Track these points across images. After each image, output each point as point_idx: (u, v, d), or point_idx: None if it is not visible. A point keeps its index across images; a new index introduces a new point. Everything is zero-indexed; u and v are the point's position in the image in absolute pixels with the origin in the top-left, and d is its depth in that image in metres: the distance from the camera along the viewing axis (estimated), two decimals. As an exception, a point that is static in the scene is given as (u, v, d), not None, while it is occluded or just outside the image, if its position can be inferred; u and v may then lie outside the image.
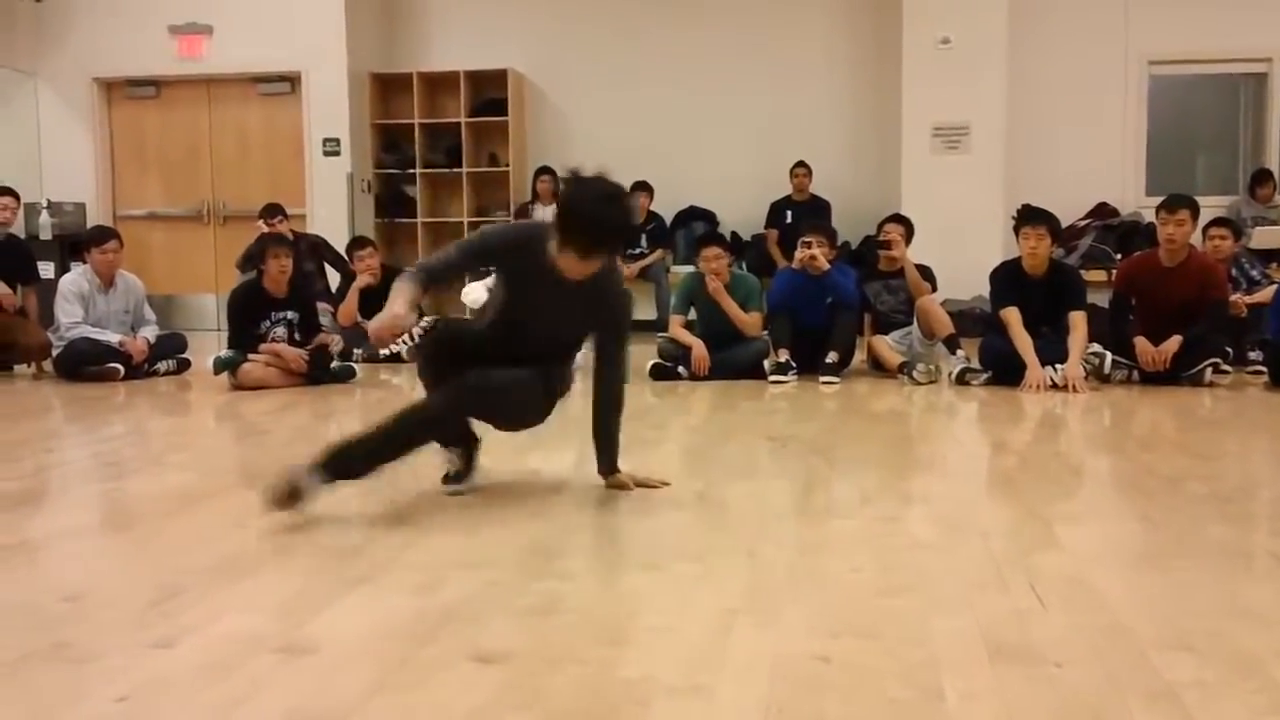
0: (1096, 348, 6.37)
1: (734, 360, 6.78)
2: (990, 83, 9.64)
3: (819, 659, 2.19)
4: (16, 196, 7.57)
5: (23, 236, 8.62)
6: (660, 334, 7.44)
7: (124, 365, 6.91)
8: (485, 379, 3.40)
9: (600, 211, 3.25)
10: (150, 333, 7.19)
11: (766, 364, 6.74)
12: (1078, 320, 6.24)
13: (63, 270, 8.44)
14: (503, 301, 3.61)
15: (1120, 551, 3.07)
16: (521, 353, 3.49)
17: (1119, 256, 9.12)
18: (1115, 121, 10.14)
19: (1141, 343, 6.30)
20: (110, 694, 2.06)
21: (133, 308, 7.23)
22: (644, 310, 9.70)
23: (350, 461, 3.32)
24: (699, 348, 6.76)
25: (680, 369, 6.79)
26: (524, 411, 3.60)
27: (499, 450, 3.98)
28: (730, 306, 6.81)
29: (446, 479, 3.72)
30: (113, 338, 6.97)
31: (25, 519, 3.56)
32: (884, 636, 2.30)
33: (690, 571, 2.79)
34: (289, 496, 3.19)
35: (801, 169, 9.93)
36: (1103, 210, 9.94)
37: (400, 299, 3.33)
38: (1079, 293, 6.39)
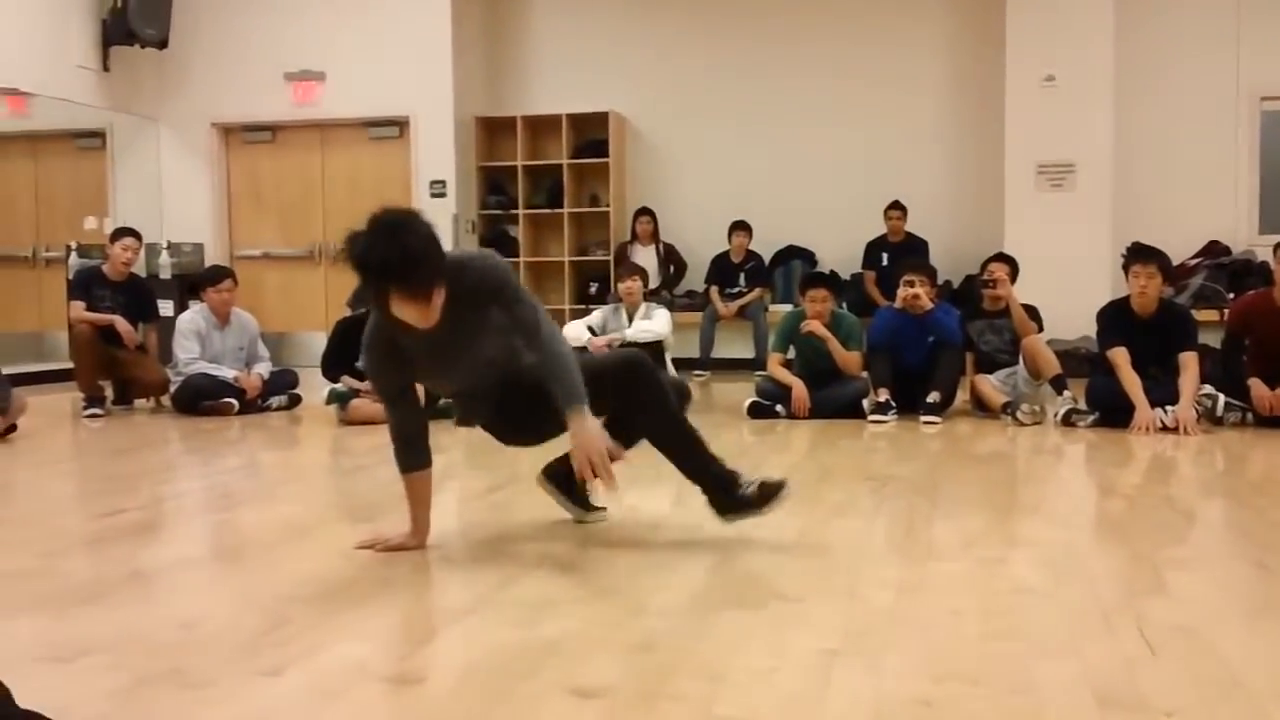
0: (1209, 389, 6.21)
1: (833, 399, 6.74)
2: (1096, 120, 9.50)
3: (921, 703, 2.16)
4: (139, 237, 7.83)
5: (143, 276, 8.93)
6: (759, 372, 7.44)
7: (238, 400, 7.12)
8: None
9: (386, 254, 2.95)
10: (264, 369, 7.40)
11: (866, 403, 6.69)
12: (1189, 361, 6.09)
13: (181, 308, 8.71)
14: (430, 381, 3.51)
15: (1233, 599, 2.99)
16: (479, 389, 3.39)
17: (1231, 296, 8.89)
18: (1226, 158, 9.91)
19: (1256, 385, 6.13)
20: (222, 720, 2.12)
21: (247, 344, 7.44)
22: (742, 349, 9.72)
23: None
24: (799, 387, 6.73)
25: (778, 408, 6.77)
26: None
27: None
28: (834, 346, 6.78)
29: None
30: (228, 374, 7.19)
31: (143, 548, 3.68)
32: (987, 682, 2.27)
33: (790, 611, 2.78)
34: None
35: (896, 211, 9.85)
36: (1214, 248, 9.71)
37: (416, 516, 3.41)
38: (1190, 333, 6.24)
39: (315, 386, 7.29)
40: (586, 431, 3.09)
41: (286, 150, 11.17)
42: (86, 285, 7.52)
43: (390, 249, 2.94)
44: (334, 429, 6.57)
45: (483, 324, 3.23)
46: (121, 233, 7.74)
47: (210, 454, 5.89)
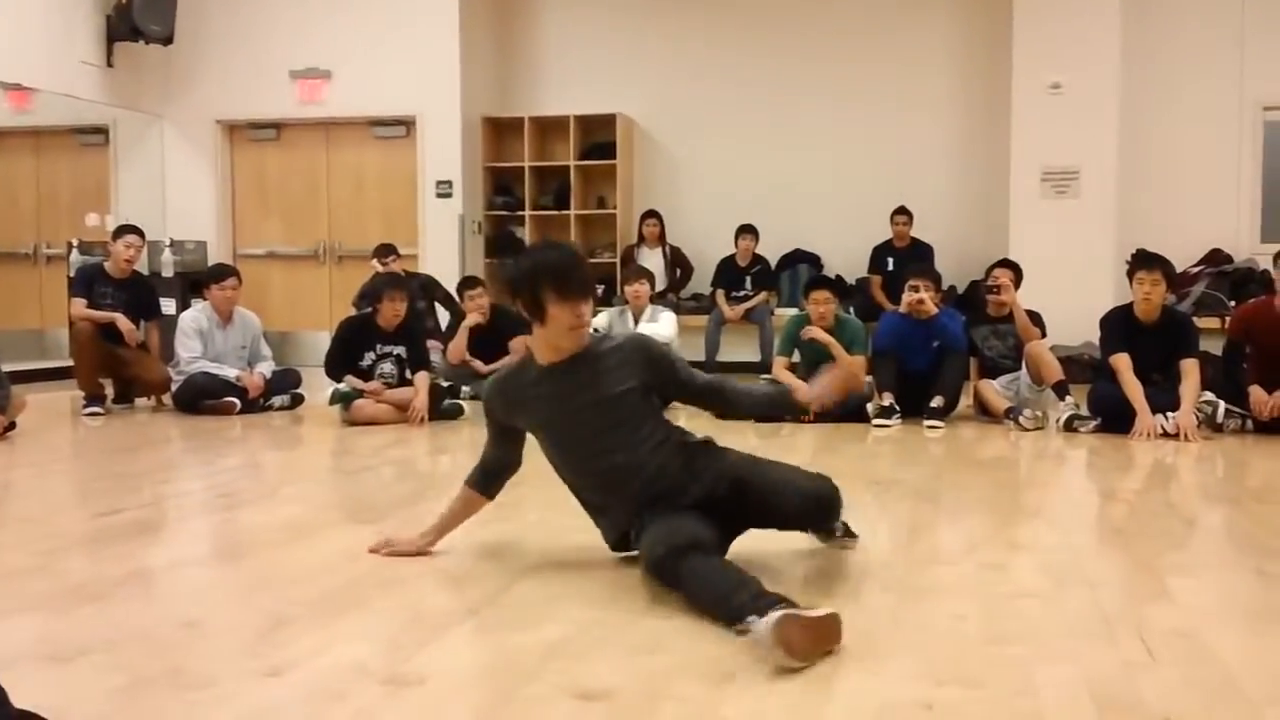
0: (1209, 396, 6.21)
1: (837, 403, 6.72)
2: (1101, 127, 9.50)
3: (923, 706, 2.17)
4: (142, 235, 7.82)
5: (146, 273, 8.92)
6: (764, 376, 7.44)
7: (240, 399, 7.12)
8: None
9: (548, 255, 3.13)
10: (266, 368, 7.39)
11: (870, 408, 6.69)
12: (1190, 368, 6.09)
13: (184, 306, 8.70)
14: (550, 453, 3.27)
15: (1233, 605, 2.99)
16: (613, 476, 3.12)
17: (1232, 304, 8.89)
18: (1229, 167, 9.90)
19: (1256, 391, 6.13)
20: None
21: (249, 343, 7.43)
22: (748, 352, 9.71)
23: None
24: (804, 391, 6.72)
25: (783, 411, 6.77)
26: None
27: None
28: (837, 350, 6.78)
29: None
30: (230, 373, 7.18)
31: (144, 547, 3.68)
32: (989, 686, 2.28)
33: (791, 614, 2.78)
34: None
35: (902, 216, 9.85)
36: (1216, 257, 9.70)
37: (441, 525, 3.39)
38: (1192, 340, 6.24)
39: (318, 386, 7.29)
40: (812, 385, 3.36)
41: (291, 148, 11.17)
42: (88, 283, 7.51)
43: (548, 251, 3.17)
44: (337, 429, 6.57)
45: (617, 381, 3.13)
46: (124, 230, 7.72)
47: (212, 453, 5.89)
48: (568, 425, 3.16)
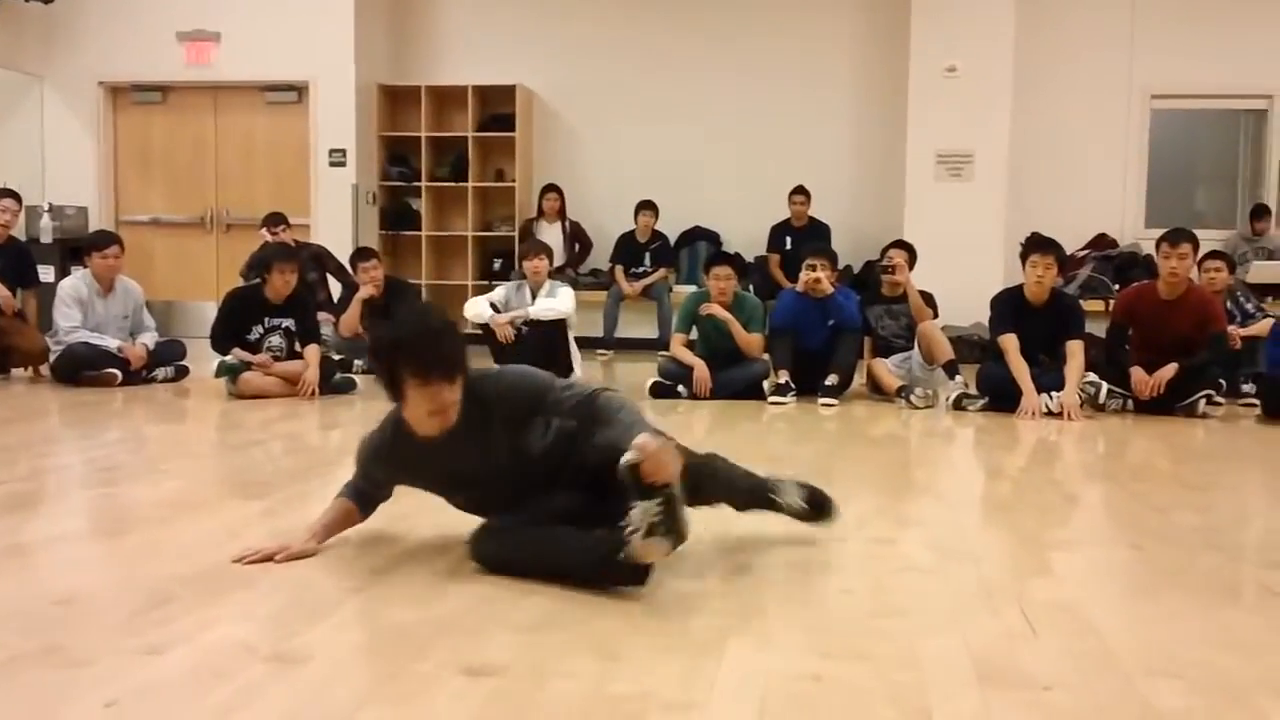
0: (1092, 377, 6.39)
1: (734, 381, 6.79)
2: (995, 112, 9.69)
3: (810, 678, 2.19)
4: (19, 199, 7.58)
5: (23, 239, 8.63)
6: (661, 353, 7.46)
7: (122, 371, 6.92)
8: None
9: (410, 326, 2.77)
10: (149, 339, 7.20)
11: (766, 385, 6.75)
12: (1075, 349, 6.26)
13: (63, 274, 8.43)
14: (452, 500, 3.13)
15: (1111, 579, 3.08)
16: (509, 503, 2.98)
17: (1117, 287, 9.16)
18: (1116, 153, 10.19)
19: (1137, 372, 6.31)
20: (98, 699, 2.06)
21: (131, 313, 7.23)
22: (645, 329, 9.74)
23: None
24: (701, 368, 6.77)
25: (680, 388, 6.80)
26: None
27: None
28: (736, 328, 6.82)
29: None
30: (111, 343, 6.98)
31: (20, 523, 3.56)
32: (875, 658, 2.31)
33: (685, 589, 2.79)
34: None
35: (800, 195, 9.94)
36: (1102, 241, 9.99)
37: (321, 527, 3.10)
38: (1078, 322, 6.41)
39: (204, 358, 7.12)
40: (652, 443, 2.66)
41: (178, 112, 10.84)
42: (-39, 249, 7.26)
43: (411, 321, 2.79)
44: (223, 403, 6.42)
45: (495, 450, 2.91)
46: (-1, 194, 7.48)
47: (92, 426, 5.71)
48: (452, 487, 3.05)
